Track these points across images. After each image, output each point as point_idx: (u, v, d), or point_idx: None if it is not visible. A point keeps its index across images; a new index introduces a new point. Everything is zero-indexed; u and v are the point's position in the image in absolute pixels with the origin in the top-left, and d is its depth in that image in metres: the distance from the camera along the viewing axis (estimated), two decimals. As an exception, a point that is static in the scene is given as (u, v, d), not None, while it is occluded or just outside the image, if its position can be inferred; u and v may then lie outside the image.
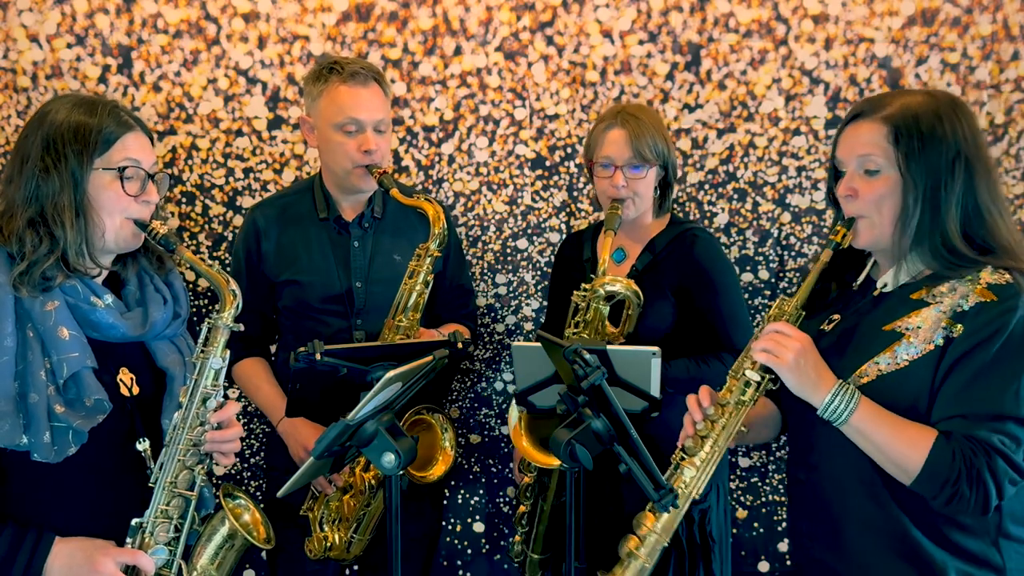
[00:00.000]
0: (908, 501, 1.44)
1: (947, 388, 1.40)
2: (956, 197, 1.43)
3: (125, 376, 1.54)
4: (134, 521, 1.45)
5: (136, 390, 1.54)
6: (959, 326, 1.39)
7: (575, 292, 2.02)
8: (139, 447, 1.50)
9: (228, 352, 1.52)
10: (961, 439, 1.36)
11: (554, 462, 1.96)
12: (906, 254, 1.49)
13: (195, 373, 1.50)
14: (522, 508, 2.18)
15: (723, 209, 2.59)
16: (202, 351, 1.51)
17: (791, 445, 1.69)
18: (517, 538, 2.22)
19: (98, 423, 1.44)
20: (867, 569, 1.50)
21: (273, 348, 2.31)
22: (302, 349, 1.54)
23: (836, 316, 1.60)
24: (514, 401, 1.90)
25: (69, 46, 2.47)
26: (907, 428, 1.40)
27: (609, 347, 1.61)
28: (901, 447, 1.39)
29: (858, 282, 1.61)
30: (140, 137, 1.55)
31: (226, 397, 1.56)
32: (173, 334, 1.62)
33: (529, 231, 2.61)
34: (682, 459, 1.56)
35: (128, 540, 1.45)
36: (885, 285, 1.54)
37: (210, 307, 2.58)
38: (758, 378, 1.53)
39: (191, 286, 2.57)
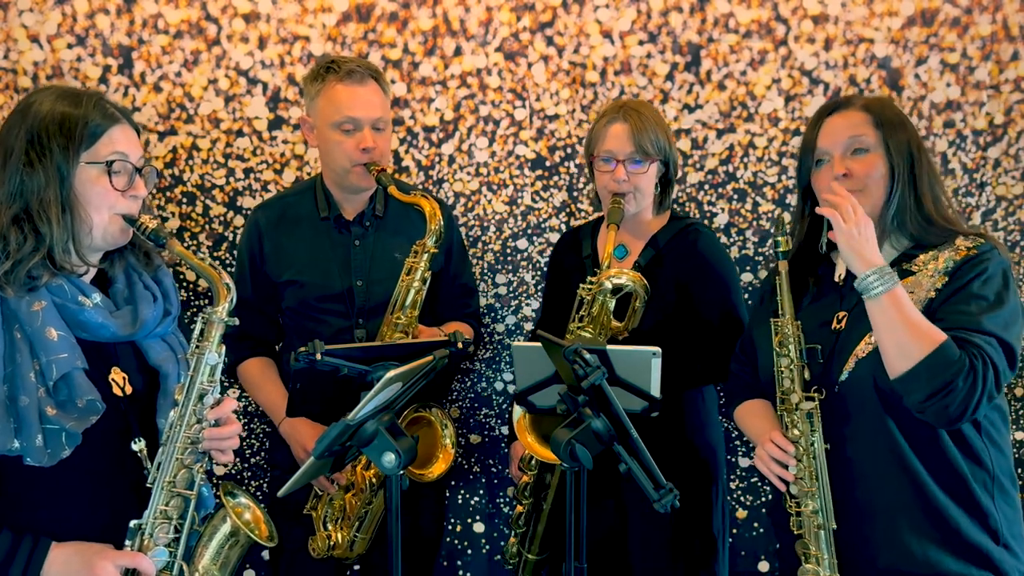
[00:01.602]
0: (936, 469, 1.58)
1: (942, 313, 1.56)
2: (926, 174, 1.67)
3: (117, 375, 1.50)
4: (133, 523, 1.42)
5: (129, 389, 1.50)
6: (946, 277, 1.59)
7: (581, 286, 2.02)
8: (135, 447, 1.47)
9: (224, 347, 1.48)
10: (963, 343, 1.50)
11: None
12: (888, 231, 1.67)
13: (191, 369, 1.46)
14: (519, 508, 2.17)
15: (723, 209, 2.59)
16: (197, 347, 1.46)
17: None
18: (512, 540, 2.19)
19: (91, 424, 1.41)
20: (895, 530, 1.60)
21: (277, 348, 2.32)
22: (303, 349, 1.54)
23: (843, 313, 1.69)
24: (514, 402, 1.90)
25: (70, 46, 2.47)
26: (925, 320, 1.53)
27: (609, 347, 1.62)
28: (921, 327, 1.51)
29: (841, 276, 1.72)
30: (126, 130, 1.51)
31: (223, 393, 1.52)
32: (164, 332, 1.58)
33: (529, 231, 2.61)
34: (797, 506, 1.65)
35: (127, 542, 1.42)
36: None
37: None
38: (813, 404, 1.63)
39: (191, 285, 2.57)
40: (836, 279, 1.73)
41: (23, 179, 1.42)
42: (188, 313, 2.57)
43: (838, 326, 1.68)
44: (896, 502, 1.60)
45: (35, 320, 1.40)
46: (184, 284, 2.56)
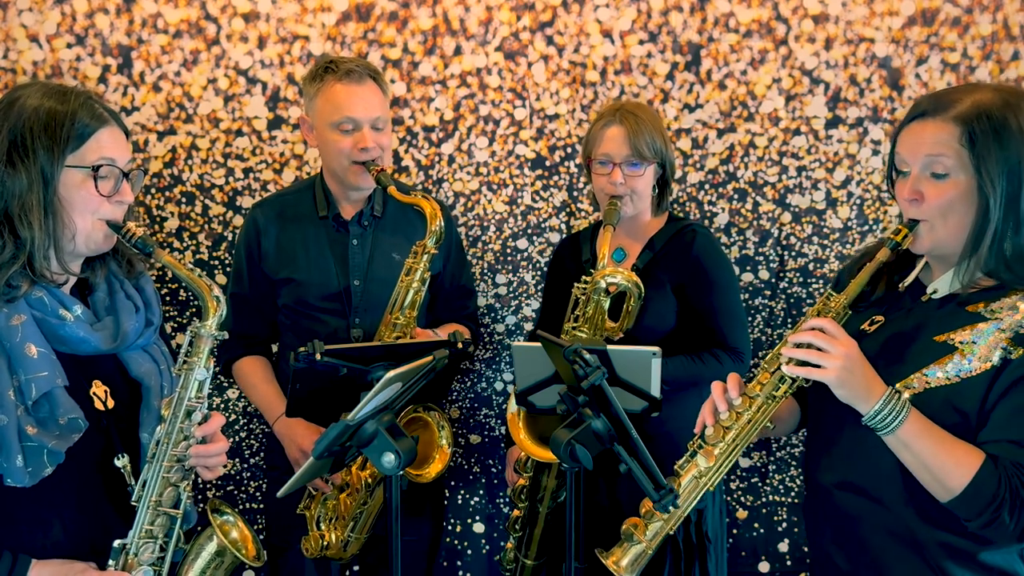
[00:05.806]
0: (940, 516, 1.36)
1: (1000, 411, 1.31)
2: None
3: (99, 389, 1.44)
4: (116, 542, 1.37)
5: (111, 403, 1.44)
6: (1021, 350, 1.31)
7: (576, 285, 2.02)
8: (118, 463, 1.41)
9: (212, 362, 1.43)
10: (1009, 465, 1.28)
11: (551, 456, 1.94)
12: (966, 260, 1.38)
13: (179, 386, 1.41)
14: (516, 512, 2.15)
15: (723, 209, 2.59)
16: (185, 361, 1.40)
17: (812, 447, 1.60)
18: (509, 544, 2.17)
19: (73, 442, 1.35)
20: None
21: (275, 347, 2.31)
22: (302, 349, 1.54)
23: (880, 317, 1.49)
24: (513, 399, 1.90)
25: (69, 46, 2.47)
26: (954, 446, 1.31)
27: (609, 347, 1.61)
28: (946, 464, 1.30)
29: (905, 283, 1.50)
30: (115, 132, 1.43)
31: (211, 408, 1.46)
32: (146, 343, 1.52)
33: (529, 231, 2.61)
34: (699, 447, 1.46)
35: (111, 563, 1.37)
36: (935, 291, 1.44)
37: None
38: (794, 376, 1.41)
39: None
40: (899, 288, 1.51)
41: (4, 180, 1.35)
42: (188, 314, 2.57)
43: (866, 327, 1.49)
44: (897, 554, 1.41)
45: (14, 335, 1.34)
46: (182, 286, 2.56)
